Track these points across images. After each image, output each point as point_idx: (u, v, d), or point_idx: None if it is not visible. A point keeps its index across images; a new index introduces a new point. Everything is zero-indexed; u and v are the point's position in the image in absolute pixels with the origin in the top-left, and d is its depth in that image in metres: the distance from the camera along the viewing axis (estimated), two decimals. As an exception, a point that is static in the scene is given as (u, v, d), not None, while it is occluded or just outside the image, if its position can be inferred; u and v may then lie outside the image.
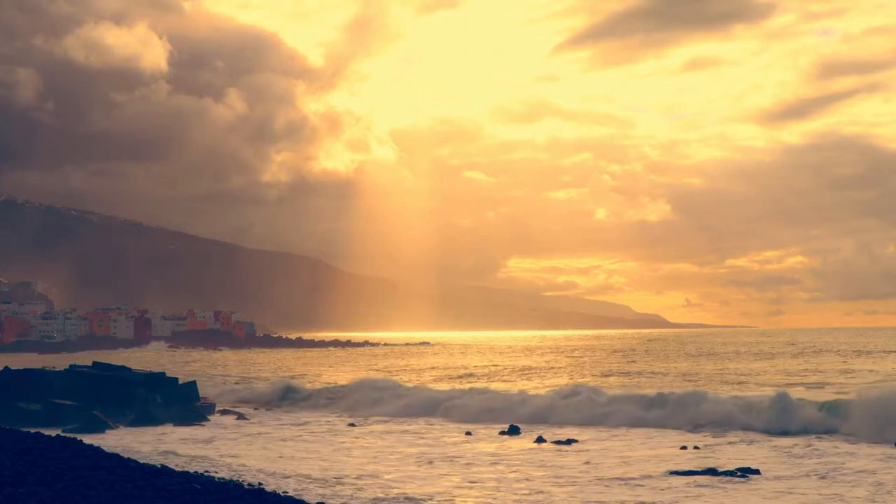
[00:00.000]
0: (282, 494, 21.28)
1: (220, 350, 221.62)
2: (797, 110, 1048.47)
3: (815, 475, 27.42)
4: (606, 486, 26.06)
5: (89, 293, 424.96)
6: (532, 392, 56.41)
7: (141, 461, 25.59)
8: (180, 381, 51.23)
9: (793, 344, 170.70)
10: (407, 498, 24.15)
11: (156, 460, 29.06)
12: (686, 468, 28.85)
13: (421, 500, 23.97)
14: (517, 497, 24.57)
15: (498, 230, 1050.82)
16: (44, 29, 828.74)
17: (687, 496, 24.49)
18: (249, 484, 23.83)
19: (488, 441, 38.26)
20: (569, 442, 36.73)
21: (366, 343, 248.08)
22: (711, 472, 27.94)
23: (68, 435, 33.99)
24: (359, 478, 27.57)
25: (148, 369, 57.48)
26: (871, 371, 78.83)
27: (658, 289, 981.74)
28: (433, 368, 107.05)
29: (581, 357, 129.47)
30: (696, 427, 40.58)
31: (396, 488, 25.64)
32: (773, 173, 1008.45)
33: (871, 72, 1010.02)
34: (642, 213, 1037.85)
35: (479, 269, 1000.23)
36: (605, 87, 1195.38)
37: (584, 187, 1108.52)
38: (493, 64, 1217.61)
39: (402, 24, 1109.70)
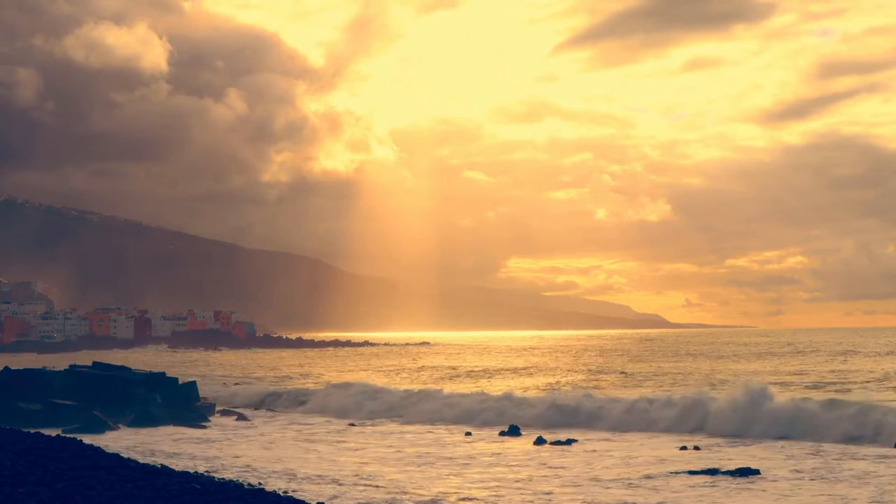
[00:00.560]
0: (282, 494, 21.26)
1: (220, 350, 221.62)
2: (797, 110, 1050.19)
3: (816, 475, 27.43)
4: (607, 487, 26.06)
5: (89, 293, 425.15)
6: (519, 393, 56.34)
7: (141, 461, 25.57)
8: (180, 382, 51.22)
9: (790, 344, 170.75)
10: (408, 498, 24.15)
11: (156, 460, 29.07)
12: (686, 468, 28.85)
13: (422, 500, 23.96)
14: (518, 497, 24.55)
15: (498, 230, 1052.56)
16: (44, 29, 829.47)
17: (687, 496, 24.47)
18: (249, 484, 23.83)
19: (488, 441, 38.28)
20: (569, 442, 36.71)
21: (366, 343, 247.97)
22: (712, 472, 27.94)
23: (68, 435, 33.96)
24: (359, 478, 27.56)
25: (148, 369, 57.47)
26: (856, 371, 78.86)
27: (658, 289, 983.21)
28: (434, 368, 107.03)
29: (563, 357, 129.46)
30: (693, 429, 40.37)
31: (397, 488, 25.63)
32: (773, 173, 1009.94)
33: (871, 72, 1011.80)
34: (642, 213, 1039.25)
35: (479, 269, 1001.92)
36: (606, 87, 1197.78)
37: (584, 187, 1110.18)
38: (493, 64, 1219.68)
39: (402, 24, 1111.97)
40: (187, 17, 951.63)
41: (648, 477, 27.59)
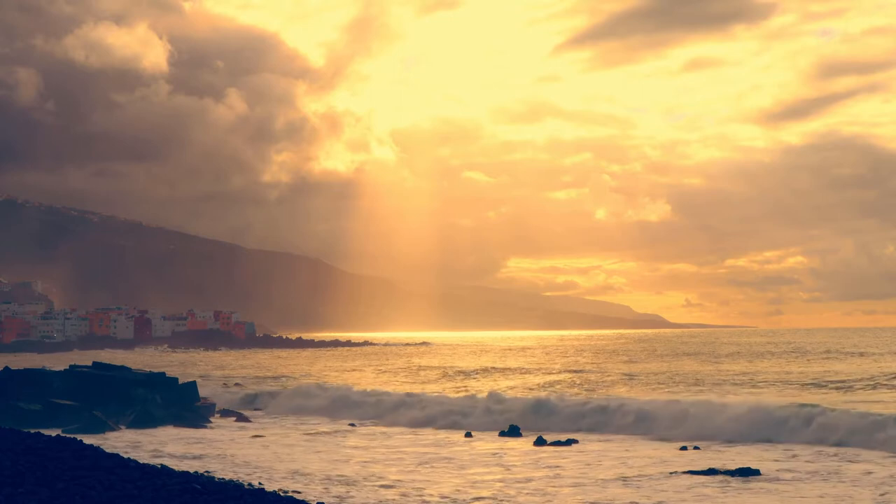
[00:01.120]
0: (282, 494, 21.26)
1: (220, 350, 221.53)
2: (797, 110, 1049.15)
3: (816, 476, 27.43)
4: (607, 487, 26.06)
5: (89, 293, 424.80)
6: (510, 394, 56.33)
7: (141, 461, 25.56)
8: (180, 382, 51.22)
9: (790, 343, 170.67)
10: (408, 499, 24.14)
11: (156, 460, 29.06)
12: (686, 469, 28.85)
13: (422, 500, 23.96)
14: (519, 497, 24.54)
15: (498, 230, 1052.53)
16: (44, 29, 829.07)
17: (687, 497, 24.47)
18: (250, 484, 23.81)
19: (488, 442, 38.27)
20: (569, 443, 36.72)
21: (366, 343, 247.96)
22: (712, 472, 27.94)
23: (68, 435, 33.94)
24: (360, 478, 27.55)
25: (148, 369, 57.45)
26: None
27: (658, 289, 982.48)
28: (434, 368, 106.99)
29: (563, 357, 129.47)
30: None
31: (397, 489, 25.63)
32: (773, 173, 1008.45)
33: (871, 72, 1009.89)
34: (642, 213, 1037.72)
35: (479, 269, 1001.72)
36: (606, 88, 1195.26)
37: (584, 187, 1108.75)
38: (494, 64, 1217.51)
39: (402, 24, 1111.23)
40: (187, 18, 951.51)
41: (649, 477, 27.59)
